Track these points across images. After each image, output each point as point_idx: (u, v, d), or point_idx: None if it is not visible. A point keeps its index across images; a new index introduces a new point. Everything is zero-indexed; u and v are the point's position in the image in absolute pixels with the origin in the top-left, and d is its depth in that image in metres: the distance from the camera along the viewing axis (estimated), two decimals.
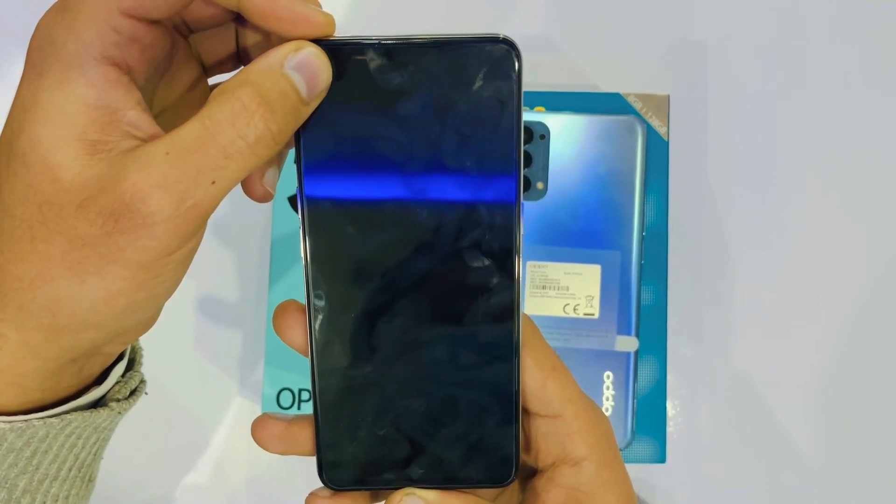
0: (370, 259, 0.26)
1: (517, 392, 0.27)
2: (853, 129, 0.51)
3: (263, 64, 0.23)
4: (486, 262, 0.26)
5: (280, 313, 0.28)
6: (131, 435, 0.49)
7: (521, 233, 0.26)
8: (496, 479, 0.28)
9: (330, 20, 0.24)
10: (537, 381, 0.28)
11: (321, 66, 0.24)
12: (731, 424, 0.50)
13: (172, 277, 0.26)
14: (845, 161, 0.51)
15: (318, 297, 0.27)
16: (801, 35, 0.52)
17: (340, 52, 0.25)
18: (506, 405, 0.27)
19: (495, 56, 0.25)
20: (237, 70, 0.27)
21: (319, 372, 0.27)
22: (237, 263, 0.50)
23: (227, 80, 0.23)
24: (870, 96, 0.51)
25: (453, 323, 0.27)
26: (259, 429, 0.29)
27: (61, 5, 0.23)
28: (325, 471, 0.28)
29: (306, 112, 0.24)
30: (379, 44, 0.25)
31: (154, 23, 0.24)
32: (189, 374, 0.50)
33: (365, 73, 0.25)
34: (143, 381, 0.31)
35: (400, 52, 0.25)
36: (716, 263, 0.50)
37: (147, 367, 0.48)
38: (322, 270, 0.26)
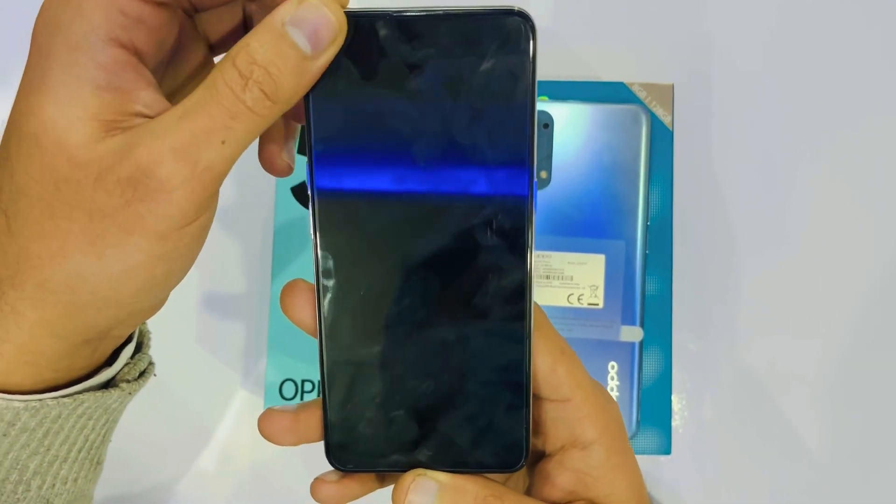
0: (380, 237, 0.26)
1: (528, 376, 0.27)
2: (858, 118, 0.51)
3: (262, 25, 0.23)
4: (498, 241, 0.26)
5: (287, 292, 0.27)
6: (135, 425, 0.49)
7: (534, 212, 0.26)
8: (506, 463, 0.28)
9: None
10: (547, 365, 0.27)
11: (324, 18, 0.23)
12: (737, 417, 0.49)
13: (189, 252, 0.26)
14: (851, 150, 0.50)
15: (326, 275, 0.26)
16: (806, 24, 0.51)
17: (350, 23, 0.24)
18: (516, 390, 0.27)
19: (509, 29, 0.24)
20: None
21: (328, 352, 0.27)
22: (240, 254, 0.50)
23: (234, 45, 0.23)
24: (875, 85, 0.51)
25: (464, 304, 0.26)
26: (266, 424, 0.29)
27: None
28: (333, 452, 0.28)
29: (315, 67, 0.24)
30: (390, 15, 0.24)
31: (160, 4, 0.24)
32: (192, 365, 0.49)
33: (375, 44, 0.24)
34: (151, 363, 0.32)
35: (411, 23, 0.24)
36: (720, 254, 0.50)
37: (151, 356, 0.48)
38: (331, 249, 0.26)
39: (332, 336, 0.27)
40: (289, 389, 0.46)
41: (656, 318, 0.47)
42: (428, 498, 0.27)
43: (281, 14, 0.23)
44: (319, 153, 0.25)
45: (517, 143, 0.25)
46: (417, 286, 0.26)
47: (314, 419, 0.28)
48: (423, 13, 0.24)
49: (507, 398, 0.27)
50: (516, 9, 0.25)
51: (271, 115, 0.24)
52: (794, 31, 0.51)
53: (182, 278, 0.27)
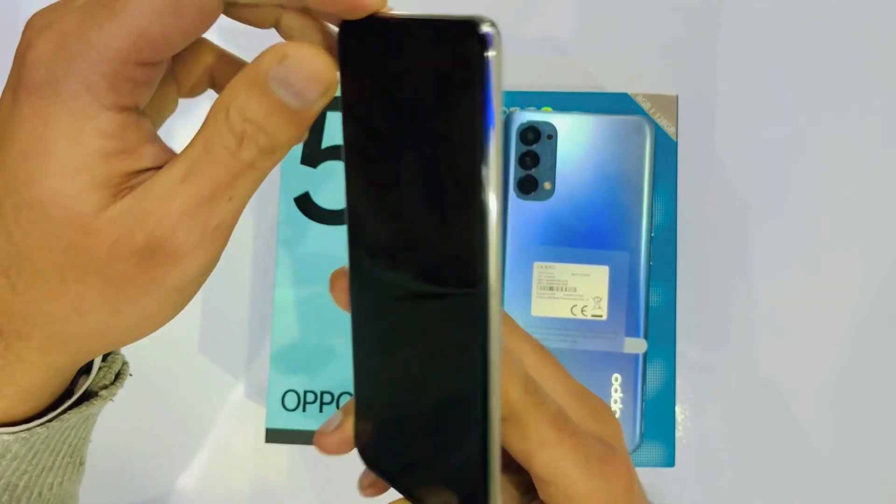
0: (384, 233, 0.25)
1: (489, 418, 0.23)
2: (864, 128, 0.51)
3: (248, 79, 0.22)
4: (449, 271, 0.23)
5: (334, 279, 0.27)
6: (137, 436, 0.49)
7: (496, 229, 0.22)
8: None
9: None
10: (520, 454, 0.26)
11: (310, 76, 0.22)
12: (740, 429, 0.49)
13: (198, 288, 0.26)
14: (856, 161, 0.50)
15: (354, 268, 0.26)
16: (811, 34, 0.51)
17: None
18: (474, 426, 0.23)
19: (470, 37, 0.22)
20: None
21: (356, 343, 0.26)
22: (243, 264, 0.50)
23: (221, 94, 0.23)
24: (881, 95, 0.51)
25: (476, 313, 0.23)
26: (325, 443, 0.28)
27: (65, 46, 0.22)
28: (361, 451, 0.27)
29: (309, 115, 0.23)
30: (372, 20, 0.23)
31: (158, 63, 0.23)
32: (194, 375, 0.49)
33: (360, 50, 0.23)
34: (125, 363, 0.31)
35: (387, 28, 0.23)
36: (724, 265, 0.50)
37: (153, 368, 0.48)
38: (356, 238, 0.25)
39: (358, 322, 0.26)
40: (291, 400, 0.46)
41: (660, 329, 0.46)
42: None
43: (265, 68, 0.22)
44: (354, 133, 0.24)
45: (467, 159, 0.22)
46: (430, 285, 0.24)
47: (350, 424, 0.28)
48: (397, 19, 0.23)
49: (464, 434, 0.24)
50: (479, 19, 0.22)
51: (272, 164, 0.23)
52: (798, 41, 0.51)
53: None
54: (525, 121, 0.45)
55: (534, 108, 0.47)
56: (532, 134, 0.45)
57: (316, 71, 0.22)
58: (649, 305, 0.46)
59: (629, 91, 0.48)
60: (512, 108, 0.47)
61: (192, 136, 0.23)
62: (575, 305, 0.45)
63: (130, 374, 0.31)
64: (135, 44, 0.21)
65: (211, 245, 0.24)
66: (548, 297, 0.45)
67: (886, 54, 0.51)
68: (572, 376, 0.30)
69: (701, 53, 0.51)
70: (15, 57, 0.23)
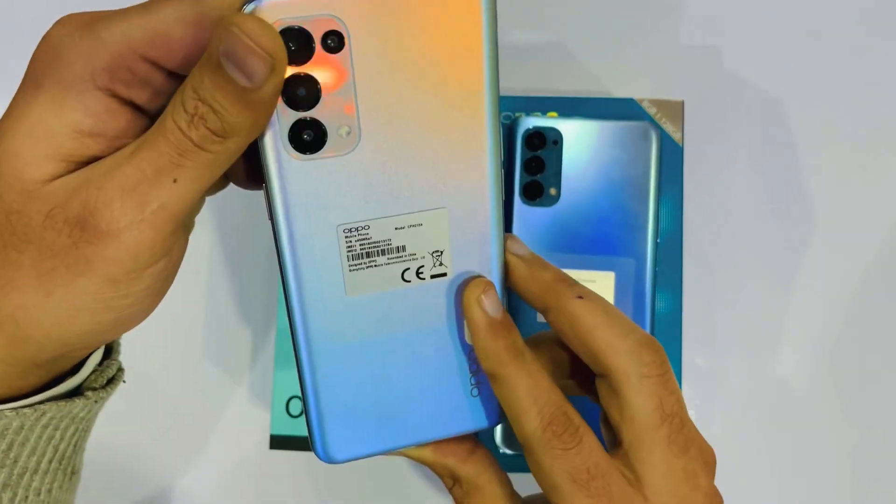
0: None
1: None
2: (870, 133, 0.50)
3: (205, 56, 0.22)
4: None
5: None
6: (139, 441, 0.49)
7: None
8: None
9: None
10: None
11: (249, 49, 0.21)
12: (747, 434, 0.49)
13: (143, 301, 0.25)
14: (862, 166, 0.50)
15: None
16: (816, 40, 0.51)
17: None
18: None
19: None
20: None
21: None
22: (246, 270, 0.50)
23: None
24: (887, 101, 0.51)
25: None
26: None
27: (85, 24, 0.23)
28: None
29: (261, 98, 0.22)
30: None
31: (172, 74, 0.24)
32: (198, 381, 0.49)
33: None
34: (120, 370, 0.31)
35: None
36: (730, 270, 0.49)
37: (155, 374, 0.48)
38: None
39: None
40: (295, 406, 0.46)
41: (666, 335, 0.46)
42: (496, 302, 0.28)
43: (215, 43, 0.21)
44: None
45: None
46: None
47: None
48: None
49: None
50: None
51: (225, 150, 0.22)
52: (803, 47, 0.51)
53: (134, 327, 0.26)
54: (530, 126, 0.45)
55: (539, 114, 0.47)
56: (538, 139, 0.45)
57: (259, 42, 0.21)
58: (655, 311, 0.46)
59: (635, 96, 0.48)
60: (517, 114, 0.47)
61: None
62: None
63: (124, 382, 0.31)
64: (150, 39, 0.22)
65: (147, 229, 0.23)
66: None
67: (891, 60, 0.51)
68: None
69: (707, 59, 0.51)
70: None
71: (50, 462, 0.29)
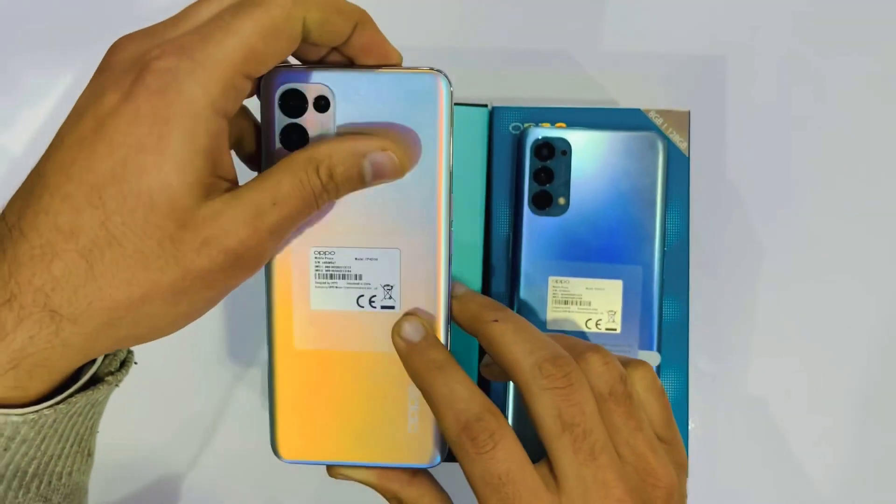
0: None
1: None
2: (875, 143, 0.51)
3: (349, 151, 0.29)
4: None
5: None
6: (147, 442, 0.49)
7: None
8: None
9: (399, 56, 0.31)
10: None
11: (396, 167, 0.30)
12: (752, 440, 0.49)
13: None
14: (867, 174, 0.51)
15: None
16: (821, 50, 0.52)
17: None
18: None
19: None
20: None
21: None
22: (257, 273, 0.51)
23: (313, 152, 0.28)
24: (890, 110, 0.51)
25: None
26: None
27: (184, 50, 0.25)
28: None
29: (362, 188, 0.30)
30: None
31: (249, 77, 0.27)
32: (207, 382, 0.50)
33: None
34: (130, 352, 0.33)
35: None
36: (736, 279, 0.50)
37: (156, 370, 0.48)
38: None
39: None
40: None
41: (673, 342, 0.47)
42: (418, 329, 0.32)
43: (366, 148, 0.29)
44: None
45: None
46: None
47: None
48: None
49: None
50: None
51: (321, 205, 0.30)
52: (809, 57, 0.52)
53: None
54: (539, 137, 0.46)
55: (548, 124, 0.47)
56: (546, 150, 0.46)
57: (400, 167, 0.30)
58: (662, 319, 0.46)
59: (642, 107, 0.48)
60: (526, 124, 0.48)
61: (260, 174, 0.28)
62: (589, 319, 0.46)
63: (136, 363, 0.32)
64: (245, 57, 0.26)
65: (269, 258, 0.30)
66: (563, 310, 0.46)
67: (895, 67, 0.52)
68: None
69: (713, 69, 0.51)
70: (116, 66, 0.26)
71: (72, 446, 0.30)
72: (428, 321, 0.32)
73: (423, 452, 0.33)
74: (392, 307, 0.32)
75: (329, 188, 0.29)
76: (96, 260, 0.25)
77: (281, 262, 0.32)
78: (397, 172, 0.30)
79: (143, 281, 0.26)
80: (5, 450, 0.27)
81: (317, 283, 0.32)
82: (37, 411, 0.27)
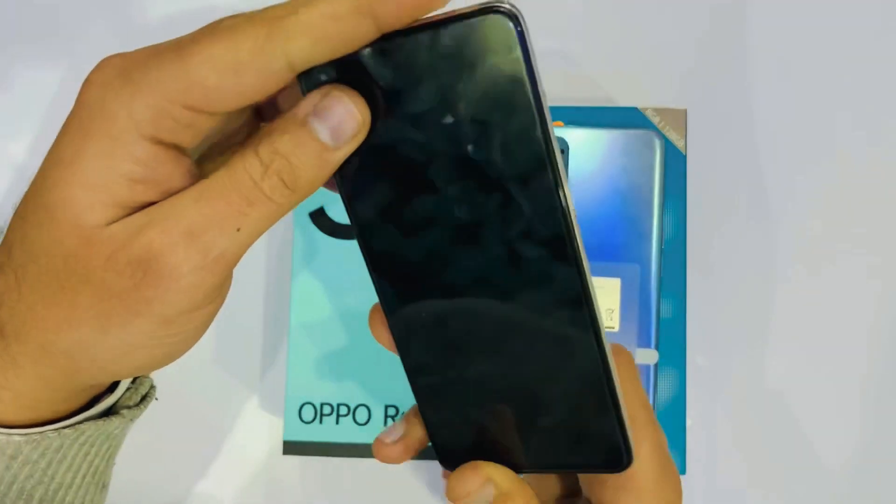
0: (423, 262, 0.26)
1: (609, 379, 0.27)
2: (873, 140, 0.51)
3: (286, 116, 0.23)
4: (539, 251, 0.25)
5: (372, 314, 0.29)
6: (152, 447, 0.49)
7: (573, 213, 0.25)
8: (609, 464, 0.29)
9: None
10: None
11: (347, 112, 0.23)
12: (751, 437, 0.50)
13: (192, 337, 0.26)
14: (865, 172, 0.51)
15: (386, 301, 0.27)
16: (819, 48, 0.52)
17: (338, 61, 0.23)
18: (599, 393, 0.28)
19: (493, 29, 0.23)
20: None
21: (407, 369, 0.28)
22: (258, 277, 0.51)
23: (258, 133, 0.24)
24: (891, 108, 0.51)
25: (521, 315, 0.26)
26: (387, 454, 0.30)
27: (125, 73, 0.23)
28: (442, 456, 0.30)
29: (335, 158, 0.23)
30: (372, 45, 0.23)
31: (213, 114, 0.24)
32: (210, 386, 0.50)
33: (366, 76, 0.23)
34: (152, 387, 0.32)
35: (395, 46, 0.23)
36: (734, 276, 0.50)
37: (166, 380, 0.48)
38: (383, 276, 0.27)
39: (405, 354, 0.28)
40: (308, 413, 0.47)
41: (671, 340, 0.47)
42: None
43: (305, 106, 0.23)
44: (354, 193, 0.25)
45: (531, 148, 0.24)
46: (469, 303, 0.27)
47: (418, 432, 0.30)
48: (407, 30, 0.23)
49: (592, 402, 0.28)
50: (496, 5, 0.23)
51: (289, 203, 0.24)
52: (806, 56, 0.52)
53: (180, 357, 0.27)
54: None
55: None
56: None
57: (354, 110, 0.23)
58: (660, 316, 0.46)
59: (639, 105, 0.48)
60: None
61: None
62: None
63: (156, 399, 0.32)
64: (187, 88, 0.22)
65: (207, 276, 0.23)
66: None
67: (894, 71, 0.52)
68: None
69: (710, 67, 0.52)
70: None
71: (84, 477, 0.30)
72: None
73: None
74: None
75: (279, 170, 0.23)
76: (21, 277, 0.24)
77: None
78: (362, 120, 0.23)
79: (61, 302, 0.24)
80: (7, 468, 0.27)
81: None
82: (40, 432, 0.27)
